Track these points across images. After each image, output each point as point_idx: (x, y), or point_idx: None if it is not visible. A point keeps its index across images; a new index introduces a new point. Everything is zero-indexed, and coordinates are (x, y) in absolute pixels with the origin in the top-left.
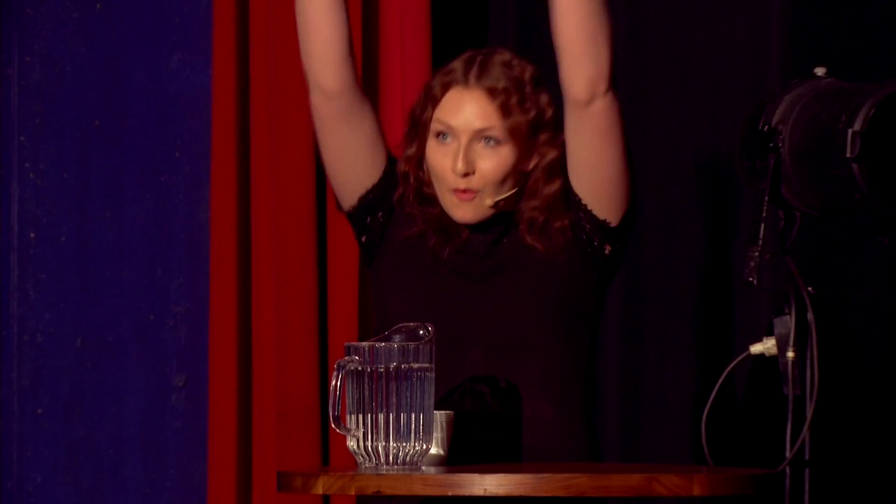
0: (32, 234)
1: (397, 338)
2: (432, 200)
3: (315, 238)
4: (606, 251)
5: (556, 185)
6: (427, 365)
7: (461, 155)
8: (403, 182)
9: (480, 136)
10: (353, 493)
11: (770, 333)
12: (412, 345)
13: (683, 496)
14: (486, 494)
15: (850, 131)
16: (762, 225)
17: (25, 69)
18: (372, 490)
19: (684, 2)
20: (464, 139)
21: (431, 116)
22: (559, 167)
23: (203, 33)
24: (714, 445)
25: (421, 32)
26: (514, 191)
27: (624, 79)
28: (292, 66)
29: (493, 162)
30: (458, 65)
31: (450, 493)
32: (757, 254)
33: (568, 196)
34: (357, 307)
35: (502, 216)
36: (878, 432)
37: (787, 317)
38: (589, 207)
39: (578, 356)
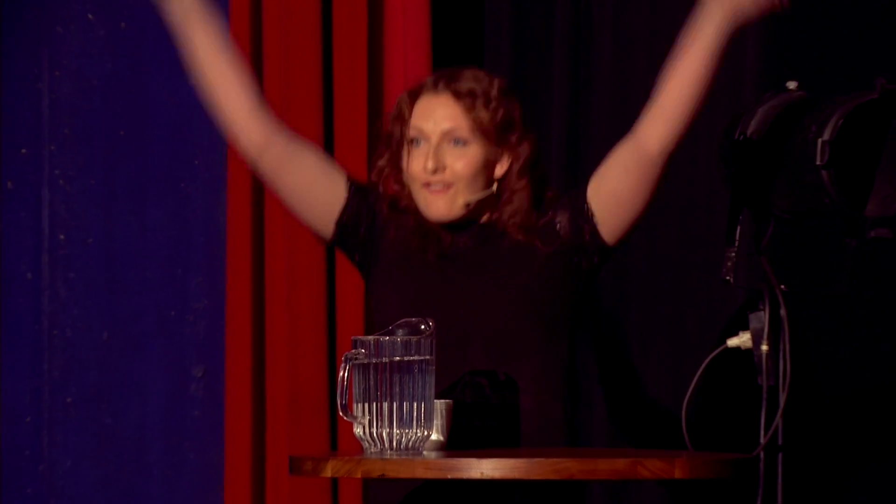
0: (62, 236)
1: (400, 332)
2: (409, 211)
3: None
4: (586, 265)
5: (528, 185)
6: (427, 357)
7: (431, 153)
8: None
9: (449, 136)
10: (359, 475)
11: (746, 328)
12: (414, 339)
13: (666, 479)
14: (483, 478)
15: (819, 141)
16: (738, 227)
17: (55, 83)
18: (377, 473)
19: (666, 21)
20: (434, 140)
21: (403, 129)
22: (530, 167)
23: None
24: (694, 432)
25: (421, 37)
26: (487, 193)
27: (610, 92)
28: (301, 81)
29: (462, 160)
30: (429, 77)
31: (449, 476)
32: (734, 254)
33: (540, 194)
34: (363, 304)
35: (483, 223)
36: (847, 419)
37: (762, 312)
38: (597, 222)
39: (557, 355)
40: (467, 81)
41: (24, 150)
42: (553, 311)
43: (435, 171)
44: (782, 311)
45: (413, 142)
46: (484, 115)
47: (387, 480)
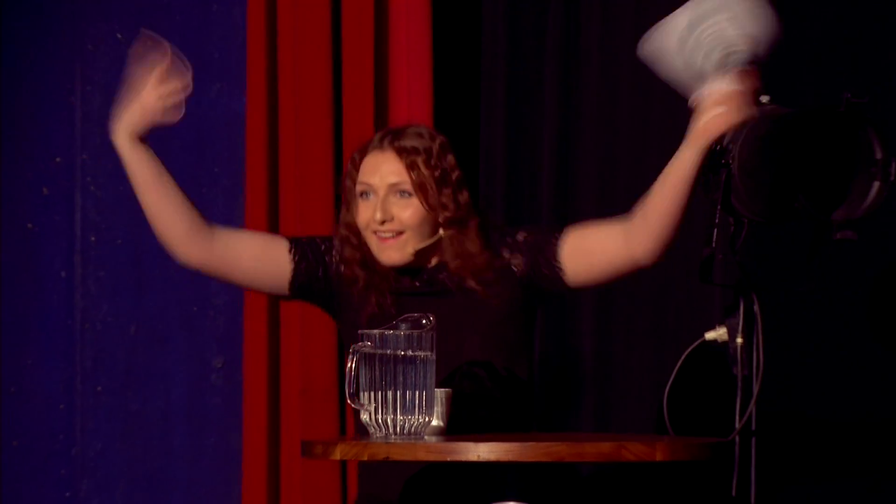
0: (93, 238)
1: (403, 327)
2: (364, 260)
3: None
4: (540, 298)
5: (472, 228)
6: (428, 350)
7: (379, 206)
8: (343, 244)
9: (394, 189)
10: (365, 458)
11: (722, 322)
12: (416, 333)
13: (648, 461)
14: (479, 460)
15: (790, 150)
16: (715, 230)
17: (86, 97)
18: (382, 456)
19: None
20: (381, 193)
21: (353, 183)
22: (470, 213)
23: (238, 67)
24: (674, 418)
25: (423, 43)
26: (435, 239)
27: (598, 106)
28: (314, 95)
29: (408, 210)
30: (376, 135)
31: (448, 459)
32: (712, 254)
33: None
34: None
35: (431, 267)
36: (814, 406)
37: (737, 308)
38: (562, 274)
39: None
40: (410, 139)
41: (58, 159)
42: (512, 340)
43: (384, 222)
44: (755, 307)
45: (363, 195)
46: (425, 170)
47: (377, 472)
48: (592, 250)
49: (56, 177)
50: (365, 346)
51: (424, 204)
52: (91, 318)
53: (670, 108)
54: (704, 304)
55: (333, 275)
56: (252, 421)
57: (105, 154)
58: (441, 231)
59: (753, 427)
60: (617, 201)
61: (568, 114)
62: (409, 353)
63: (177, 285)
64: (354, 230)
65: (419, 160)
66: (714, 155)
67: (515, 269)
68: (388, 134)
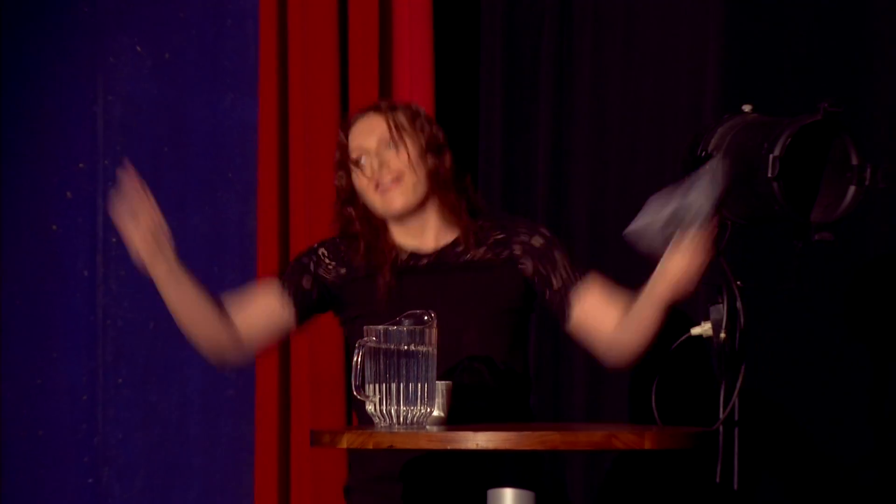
0: (114, 239)
1: (406, 322)
2: (360, 235)
3: None
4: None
5: (457, 199)
6: (430, 344)
7: (374, 158)
8: (344, 217)
9: (384, 143)
10: (370, 446)
11: (707, 318)
12: (418, 328)
13: (637, 449)
14: (478, 448)
15: (770, 156)
16: None
17: (108, 107)
18: (386, 444)
19: (637, 53)
20: (373, 149)
21: (345, 154)
22: (451, 180)
23: (251, 78)
24: (662, 409)
25: (425, 57)
26: (429, 182)
27: (589, 117)
28: (322, 103)
29: (398, 158)
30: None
31: (448, 447)
32: None
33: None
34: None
35: (437, 250)
36: (794, 397)
37: (721, 305)
38: (563, 309)
39: (519, 360)
40: (389, 103)
41: (81, 165)
42: (512, 328)
43: (381, 169)
44: (738, 304)
45: (357, 161)
46: (405, 120)
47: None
48: (591, 315)
49: (79, 181)
50: (370, 342)
51: (414, 149)
52: (112, 314)
53: (656, 115)
54: (690, 301)
55: (330, 282)
56: (264, 412)
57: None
58: (435, 186)
59: (736, 417)
60: (608, 201)
61: (561, 121)
62: (412, 347)
63: None
64: (356, 216)
65: (400, 114)
66: (698, 162)
67: (522, 268)
68: (369, 105)
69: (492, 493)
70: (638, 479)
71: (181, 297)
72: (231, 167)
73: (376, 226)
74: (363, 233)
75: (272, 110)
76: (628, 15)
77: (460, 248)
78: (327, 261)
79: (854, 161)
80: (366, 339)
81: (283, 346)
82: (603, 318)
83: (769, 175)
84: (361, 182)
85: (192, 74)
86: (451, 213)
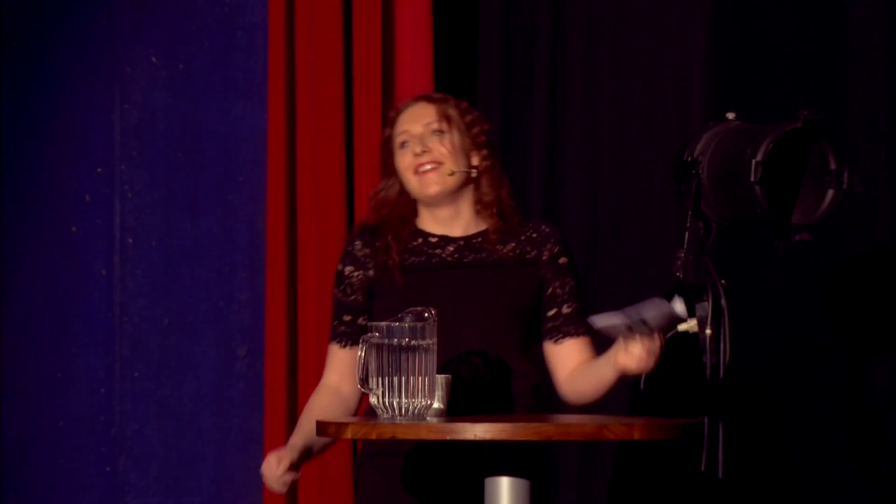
0: (130, 240)
1: (408, 318)
2: (384, 228)
3: None
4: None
5: (500, 175)
6: (430, 339)
7: (417, 142)
8: (377, 214)
9: (429, 129)
10: (374, 437)
11: (693, 315)
12: (419, 324)
13: (627, 440)
14: (476, 439)
15: (753, 161)
16: (686, 232)
17: (125, 114)
18: (388, 435)
19: (627, 62)
20: (417, 134)
21: (392, 136)
22: (498, 164)
23: (260, 87)
24: (650, 402)
25: (425, 69)
26: (468, 171)
27: (581, 122)
28: (328, 111)
29: (442, 145)
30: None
31: (448, 438)
32: (683, 254)
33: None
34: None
35: (465, 237)
36: (776, 390)
37: (706, 303)
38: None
39: (532, 353)
40: (442, 95)
41: (99, 170)
42: (530, 317)
43: (423, 154)
44: (723, 302)
45: (403, 144)
46: (454, 111)
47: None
48: (559, 357)
49: (97, 185)
50: (374, 337)
51: (458, 139)
52: (128, 311)
53: (645, 121)
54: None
55: (363, 297)
56: (273, 404)
57: (141, 164)
58: (475, 171)
59: (721, 409)
60: (599, 202)
61: (555, 125)
62: (413, 342)
63: (205, 282)
64: (388, 194)
65: (449, 105)
66: (685, 166)
67: (542, 274)
68: (421, 94)
69: (489, 481)
70: (628, 468)
71: (318, 451)
72: (241, 171)
73: (406, 214)
74: (392, 219)
75: (280, 117)
76: (618, 26)
77: (488, 241)
78: (354, 277)
79: (832, 166)
80: (369, 334)
81: (290, 341)
82: (567, 365)
83: (752, 179)
84: (403, 163)
85: (204, 84)
86: (484, 207)
